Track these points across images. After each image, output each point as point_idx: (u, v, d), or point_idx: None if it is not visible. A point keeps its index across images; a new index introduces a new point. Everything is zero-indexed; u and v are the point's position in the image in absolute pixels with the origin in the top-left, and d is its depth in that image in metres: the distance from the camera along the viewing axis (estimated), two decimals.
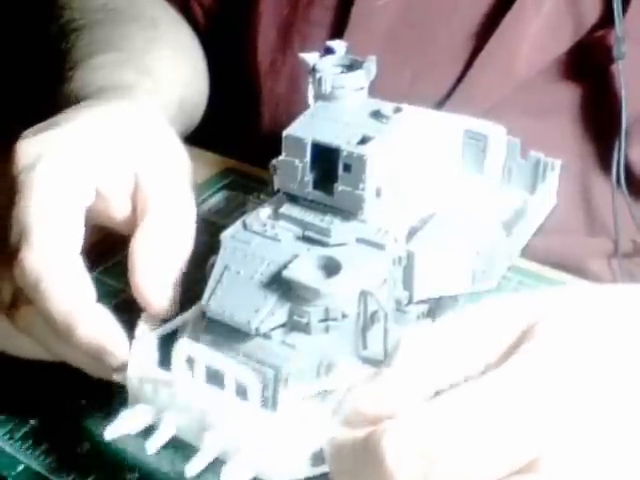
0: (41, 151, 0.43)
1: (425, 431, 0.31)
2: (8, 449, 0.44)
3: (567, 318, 0.33)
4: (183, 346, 0.40)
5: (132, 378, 0.41)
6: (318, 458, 0.37)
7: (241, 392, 0.38)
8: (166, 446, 0.40)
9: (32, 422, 0.45)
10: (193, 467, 0.38)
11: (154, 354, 0.42)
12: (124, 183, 0.45)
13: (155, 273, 0.42)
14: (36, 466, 0.43)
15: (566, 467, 0.30)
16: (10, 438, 0.44)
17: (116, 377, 0.41)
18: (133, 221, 0.44)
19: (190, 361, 0.39)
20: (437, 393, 0.34)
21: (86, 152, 0.44)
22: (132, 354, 0.41)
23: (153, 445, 0.39)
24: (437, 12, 0.62)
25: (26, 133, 0.45)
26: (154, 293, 0.42)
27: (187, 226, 0.45)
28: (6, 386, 0.47)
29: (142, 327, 0.43)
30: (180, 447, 0.41)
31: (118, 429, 0.40)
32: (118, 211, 0.45)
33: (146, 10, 0.67)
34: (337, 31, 0.63)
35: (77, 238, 0.42)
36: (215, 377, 0.39)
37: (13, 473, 0.42)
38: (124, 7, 0.67)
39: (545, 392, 0.31)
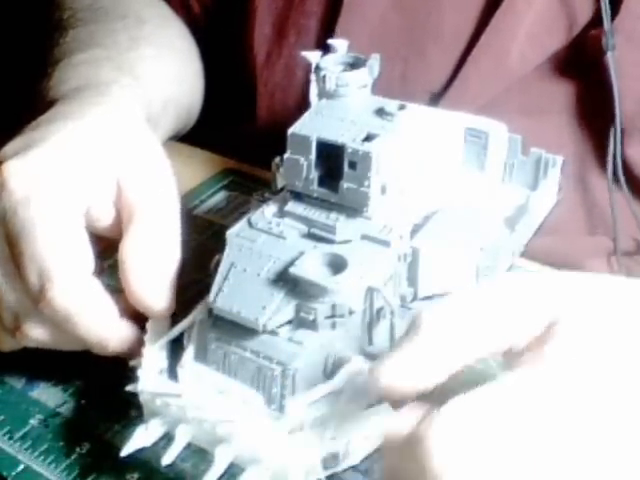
0: (31, 182, 0.44)
1: (469, 432, 0.30)
2: (8, 449, 0.43)
3: (585, 317, 0.33)
4: (187, 366, 0.40)
5: (144, 392, 0.41)
6: (329, 460, 0.37)
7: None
8: (165, 446, 0.40)
9: (32, 422, 0.45)
10: None
11: (164, 362, 0.42)
12: (108, 193, 0.46)
13: (148, 277, 0.43)
14: (36, 466, 0.42)
15: None
16: (10, 438, 0.44)
17: (132, 363, 0.42)
18: (118, 226, 0.45)
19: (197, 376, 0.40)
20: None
21: (74, 174, 0.45)
22: (142, 368, 0.41)
23: (168, 458, 0.39)
24: (429, 1, 0.62)
25: (7, 153, 0.45)
26: (150, 297, 0.43)
27: (172, 228, 0.45)
28: (6, 386, 0.47)
29: (151, 330, 0.43)
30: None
31: (134, 445, 0.40)
32: (104, 220, 0.46)
33: (133, 9, 0.66)
34: (330, 21, 0.63)
35: (90, 262, 0.44)
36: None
37: (13, 473, 0.42)
38: (111, 6, 0.66)
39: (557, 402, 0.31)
